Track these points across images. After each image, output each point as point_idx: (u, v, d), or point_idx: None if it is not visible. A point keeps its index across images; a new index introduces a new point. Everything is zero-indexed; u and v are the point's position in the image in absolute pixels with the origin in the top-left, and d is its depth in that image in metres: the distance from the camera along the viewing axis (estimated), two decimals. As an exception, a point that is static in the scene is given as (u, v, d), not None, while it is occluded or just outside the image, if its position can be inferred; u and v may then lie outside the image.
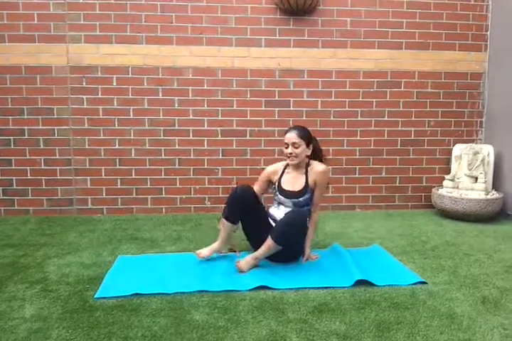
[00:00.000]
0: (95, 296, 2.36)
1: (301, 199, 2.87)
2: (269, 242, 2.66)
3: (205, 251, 2.89)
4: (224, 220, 2.86)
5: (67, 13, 4.02)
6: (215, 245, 2.92)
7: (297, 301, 2.32)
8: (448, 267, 2.83)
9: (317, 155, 3.00)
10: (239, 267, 2.68)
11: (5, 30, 3.99)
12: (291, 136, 2.86)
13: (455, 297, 2.38)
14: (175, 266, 2.80)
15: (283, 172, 3.01)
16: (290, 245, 2.73)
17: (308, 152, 2.91)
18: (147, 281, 2.54)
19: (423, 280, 2.58)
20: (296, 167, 2.94)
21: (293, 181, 2.93)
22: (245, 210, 2.83)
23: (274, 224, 2.83)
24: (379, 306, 2.26)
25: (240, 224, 2.93)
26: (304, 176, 2.91)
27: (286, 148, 2.88)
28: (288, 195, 2.91)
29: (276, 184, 2.99)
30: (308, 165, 2.95)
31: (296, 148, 2.84)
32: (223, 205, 2.98)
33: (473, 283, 2.58)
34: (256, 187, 2.99)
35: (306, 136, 2.89)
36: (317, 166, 2.91)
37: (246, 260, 2.72)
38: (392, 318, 2.13)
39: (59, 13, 4.02)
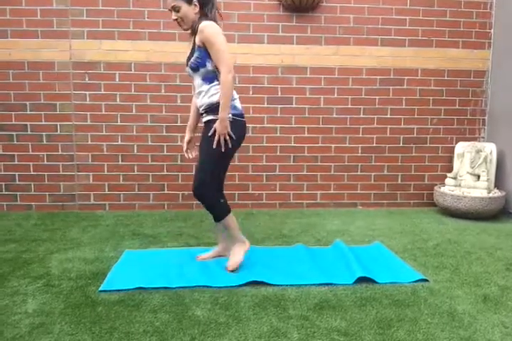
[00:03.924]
0: (100, 289, 2.38)
1: (191, 60, 2.56)
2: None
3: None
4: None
5: (70, 8, 4.02)
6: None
7: (298, 298, 2.32)
8: (449, 265, 2.83)
9: (207, 8, 2.54)
10: (234, 268, 2.65)
11: (8, 25, 3.99)
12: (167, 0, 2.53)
13: (456, 295, 2.39)
14: (180, 260, 2.81)
15: None
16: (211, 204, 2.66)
17: (196, 9, 2.53)
18: (151, 275, 2.56)
19: (424, 277, 2.58)
20: (192, 32, 2.61)
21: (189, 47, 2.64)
22: None
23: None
24: (380, 303, 2.27)
25: None
26: (193, 37, 2.59)
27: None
28: (186, 62, 2.64)
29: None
30: (196, 24, 2.53)
31: (178, 11, 2.52)
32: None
33: (475, 281, 2.58)
34: None
35: None
36: (200, 25, 2.48)
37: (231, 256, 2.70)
38: (393, 315, 2.14)
39: (62, 9, 4.02)
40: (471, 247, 3.21)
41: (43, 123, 4.11)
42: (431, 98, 4.43)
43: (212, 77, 2.56)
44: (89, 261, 2.83)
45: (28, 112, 4.09)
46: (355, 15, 4.25)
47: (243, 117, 2.65)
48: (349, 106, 4.35)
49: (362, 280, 2.52)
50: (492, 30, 4.40)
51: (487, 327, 2.03)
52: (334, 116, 4.35)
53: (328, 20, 4.24)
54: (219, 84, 2.52)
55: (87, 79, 4.10)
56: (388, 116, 4.40)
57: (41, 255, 2.94)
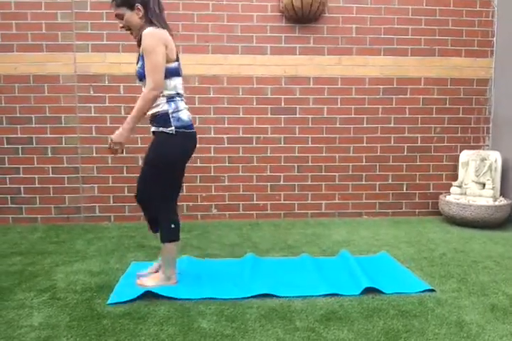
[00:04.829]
0: (108, 302, 2.37)
1: (136, 68, 2.48)
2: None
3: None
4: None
5: (75, 22, 4.07)
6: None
7: (305, 309, 2.31)
8: (456, 274, 2.81)
9: (151, 14, 2.41)
10: (139, 284, 2.58)
11: (13, 39, 4.04)
12: (112, 8, 2.44)
13: (464, 305, 2.37)
14: (186, 271, 2.79)
15: None
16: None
17: (140, 13, 2.40)
18: (157, 287, 2.55)
19: (431, 287, 2.56)
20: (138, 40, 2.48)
21: None
22: None
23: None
24: (387, 314, 2.25)
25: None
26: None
27: None
28: None
29: None
30: (142, 30, 2.40)
31: (122, 18, 2.42)
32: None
33: (482, 290, 2.56)
34: None
35: (125, 0, 2.40)
36: (142, 33, 2.36)
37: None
38: (400, 326, 2.12)
39: (66, 23, 4.06)
40: (478, 256, 3.19)
41: (48, 136, 4.14)
42: (434, 107, 4.43)
43: None
44: (95, 274, 2.82)
45: (34, 125, 4.12)
46: (357, 26, 4.28)
47: (191, 128, 2.53)
48: (352, 115, 4.36)
49: (368, 290, 2.51)
50: (494, 39, 4.41)
51: (495, 337, 2.01)
52: (338, 125, 4.35)
53: (331, 31, 4.26)
54: (161, 95, 2.43)
55: (91, 91, 4.14)
56: (392, 125, 4.41)
57: (47, 268, 2.94)
